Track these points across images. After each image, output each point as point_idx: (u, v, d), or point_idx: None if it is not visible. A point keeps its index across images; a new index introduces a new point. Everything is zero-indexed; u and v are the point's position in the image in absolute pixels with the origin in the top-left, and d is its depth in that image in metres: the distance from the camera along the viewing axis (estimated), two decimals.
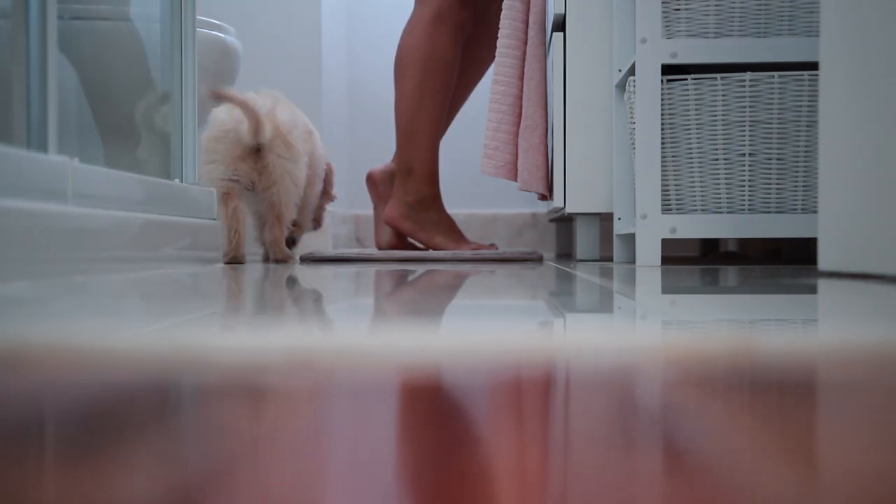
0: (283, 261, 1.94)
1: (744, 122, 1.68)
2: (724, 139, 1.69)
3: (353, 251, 2.24)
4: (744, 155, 1.69)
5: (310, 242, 2.47)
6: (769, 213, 1.69)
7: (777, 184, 1.68)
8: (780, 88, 1.67)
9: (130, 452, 0.27)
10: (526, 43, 2.27)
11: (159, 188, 1.48)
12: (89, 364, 0.44)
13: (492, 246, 2.42)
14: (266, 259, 2.03)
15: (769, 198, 1.69)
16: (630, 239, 1.97)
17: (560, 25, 2.17)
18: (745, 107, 1.68)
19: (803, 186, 1.68)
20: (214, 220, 1.76)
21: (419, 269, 1.61)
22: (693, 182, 1.71)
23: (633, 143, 1.79)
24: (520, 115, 2.29)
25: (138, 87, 1.91)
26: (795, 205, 1.68)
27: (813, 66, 1.60)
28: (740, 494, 0.23)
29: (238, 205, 1.86)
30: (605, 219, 2.26)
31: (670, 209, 1.71)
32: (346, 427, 0.31)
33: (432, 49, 2.30)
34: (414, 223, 2.34)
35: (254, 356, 0.47)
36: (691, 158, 1.70)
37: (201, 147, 1.85)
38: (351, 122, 3.34)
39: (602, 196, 2.12)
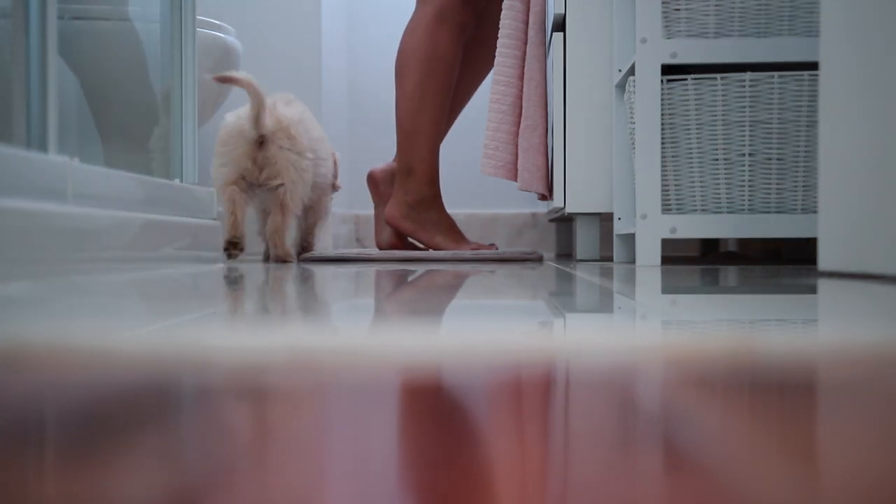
0: (282, 257, 1.95)
1: (744, 122, 1.68)
2: (724, 139, 1.69)
3: (354, 251, 2.24)
4: (744, 155, 1.69)
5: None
6: (769, 213, 1.69)
7: (777, 184, 1.68)
8: (780, 88, 1.67)
9: (130, 452, 0.27)
10: (526, 43, 2.27)
11: (159, 188, 1.48)
12: (89, 364, 0.44)
13: (492, 246, 2.42)
14: (266, 258, 2.03)
15: (769, 198, 1.69)
16: (630, 239, 1.97)
17: (560, 25, 2.17)
18: (745, 107, 1.68)
19: (803, 186, 1.68)
20: (214, 220, 1.76)
21: (419, 269, 1.61)
22: (693, 182, 1.71)
23: (633, 143, 1.79)
24: (520, 115, 2.29)
25: (137, 87, 1.91)
26: (795, 205, 1.68)
27: (813, 66, 1.60)
28: (740, 495, 0.23)
29: (236, 190, 1.87)
30: (605, 219, 2.26)
31: (670, 209, 1.71)
32: (346, 427, 0.31)
33: (434, 49, 2.30)
34: (414, 223, 2.34)
35: (254, 356, 0.47)
36: (691, 158, 1.70)
37: (215, 152, 1.88)
38: (351, 122, 3.34)
39: (602, 196, 2.12)
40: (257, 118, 1.84)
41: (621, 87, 2.01)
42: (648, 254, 1.69)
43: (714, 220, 1.70)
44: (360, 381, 0.40)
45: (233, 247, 1.86)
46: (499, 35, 2.28)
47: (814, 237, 1.58)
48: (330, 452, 0.28)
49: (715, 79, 1.68)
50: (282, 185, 1.89)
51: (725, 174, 1.69)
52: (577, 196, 2.13)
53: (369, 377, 0.41)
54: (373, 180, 2.43)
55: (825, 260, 1.22)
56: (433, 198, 2.36)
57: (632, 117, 1.78)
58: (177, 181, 1.65)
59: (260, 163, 1.87)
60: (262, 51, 2.75)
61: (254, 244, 2.09)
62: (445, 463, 0.26)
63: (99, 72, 1.90)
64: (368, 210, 2.92)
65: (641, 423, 0.32)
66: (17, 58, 1.08)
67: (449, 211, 2.43)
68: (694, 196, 1.71)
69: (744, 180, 1.69)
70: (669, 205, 1.71)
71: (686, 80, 1.69)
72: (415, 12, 2.35)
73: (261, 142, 1.87)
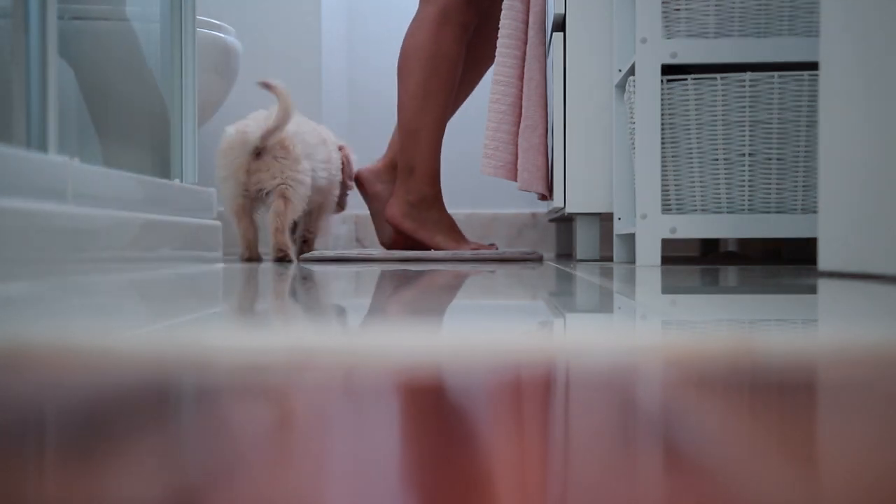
0: (282, 253, 1.99)
1: (744, 122, 1.68)
2: (724, 139, 1.69)
3: (353, 251, 2.24)
4: (744, 155, 1.69)
5: None
6: (769, 213, 1.69)
7: (777, 184, 1.68)
8: (780, 88, 1.67)
9: (130, 452, 0.27)
10: (526, 43, 2.27)
11: (159, 188, 1.48)
12: (89, 364, 0.44)
13: (492, 246, 2.42)
14: (248, 258, 2.08)
15: (769, 198, 1.69)
16: (630, 239, 1.97)
17: (560, 25, 2.17)
18: (745, 107, 1.68)
19: (803, 186, 1.68)
20: (214, 220, 1.76)
21: (419, 269, 1.61)
22: (693, 182, 1.71)
23: (633, 143, 1.79)
24: (520, 115, 2.29)
25: (136, 88, 1.91)
26: (795, 205, 1.68)
27: (813, 66, 1.60)
28: (740, 495, 0.23)
29: (249, 224, 2.01)
30: (605, 219, 2.26)
31: (670, 209, 1.71)
32: (346, 427, 0.31)
33: (437, 48, 2.30)
34: (415, 222, 2.34)
35: (254, 356, 0.47)
36: (691, 158, 1.70)
37: (216, 164, 1.97)
38: (351, 122, 3.34)
39: (602, 196, 2.12)
40: (273, 130, 1.92)
41: (621, 87, 2.01)
42: (648, 254, 1.69)
43: (714, 220, 1.70)
44: (360, 381, 0.40)
45: (250, 260, 2.01)
46: (499, 35, 2.28)
47: (814, 237, 1.58)
48: (330, 452, 0.28)
49: (715, 79, 1.68)
50: (281, 184, 1.95)
51: (725, 174, 1.69)
52: (577, 196, 2.13)
53: (369, 377, 0.41)
54: (360, 181, 2.44)
55: (825, 260, 1.22)
56: (434, 197, 2.36)
57: (632, 117, 1.78)
58: (177, 181, 1.65)
59: (257, 175, 1.97)
60: (262, 51, 2.75)
61: (268, 244, 2.16)
62: (446, 463, 0.26)
63: (98, 71, 1.90)
64: (368, 210, 2.92)
65: (641, 424, 0.32)
66: (17, 58, 1.08)
67: (449, 211, 2.43)
68: (694, 196, 1.71)
69: (744, 180, 1.69)
70: (669, 205, 1.71)
71: (686, 80, 1.69)
72: (418, 12, 2.35)
73: (258, 153, 1.95)
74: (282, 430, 0.31)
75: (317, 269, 1.64)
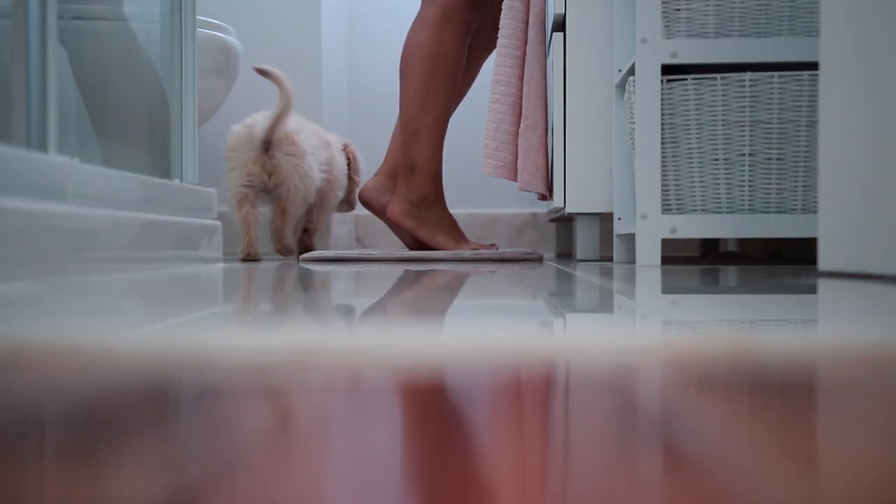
0: (282, 252, 2.02)
1: (744, 122, 1.68)
2: (724, 139, 1.69)
3: (353, 251, 2.24)
4: (744, 155, 1.69)
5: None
6: (769, 213, 1.69)
7: (777, 184, 1.68)
8: (780, 88, 1.67)
9: (130, 452, 0.27)
10: (526, 43, 2.27)
11: (159, 188, 1.48)
12: (89, 364, 0.44)
13: (492, 246, 2.42)
14: (245, 258, 2.09)
15: (769, 198, 1.69)
16: (630, 239, 1.97)
17: (560, 25, 2.17)
18: (745, 107, 1.68)
19: (803, 186, 1.68)
20: (214, 220, 1.76)
21: (419, 269, 1.61)
22: (693, 182, 1.70)
23: (633, 143, 1.79)
24: (520, 115, 2.29)
25: (136, 87, 1.91)
26: (795, 205, 1.68)
27: (813, 66, 1.60)
28: (740, 495, 0.23)
29: (250, 210, 2.02)
30: (605, 219, 2.26)
31: (670, 209, 1.71)
32: (346, 427, 0.31)
33: (439, 47, 2.30)
34: (416, 220, 2.34)
35: (254, 356, 0.47)
36: (691, 158, 1.70)
37: (224, 157, 2.00)
38: (351, 123, 3.33)
39: (602, 196, 2.12)
40: (279, 117, 1.95)
41: (621, 87, 2.01)
42: (648, 254, 1.69)
43: (714, 220, 1.70)
44: (360, 381, 0.40)
45: (248, 258, 2.02)
46: (499, 35, 2.28)
47: (814, 237, 1.58)
48: (330, 452, 0.28)
49: (715, 79, 1.68)
50: (285, 189, 1.99)
51: (725, 174, 1.69)
52: (577, 196, 2.13)
53: (369, 377, 0.41)
54: (366, 201, 2.43)
55: (825, 260, 1.22)
56: (435, 196, 2.36)
57: (632, 117, 1.78)
58: (177, 181, 1.65)
59: (268, 168, 2.00)
60: (262, 51, 2.75)
61: (268, 243, 2.17)
62: (446, 463, 0.26)
63: (98, 71, 1.90)
64: (368, 210, 2.92)
65: (641, 424, 0.32)
66: (17, 58, 1.08)
67: (449, 210, 2.43)
68: (694, 196, 1.71)
69: (744, 180, 1.69)
70: (669, 205, 1.71)
71: (686, 80, 1.69)
72: (420, 11, 2.35)
73: (266, 148, 1.97)
74: (282, 430, 0.31)
75: (317, 269, 1.64)
